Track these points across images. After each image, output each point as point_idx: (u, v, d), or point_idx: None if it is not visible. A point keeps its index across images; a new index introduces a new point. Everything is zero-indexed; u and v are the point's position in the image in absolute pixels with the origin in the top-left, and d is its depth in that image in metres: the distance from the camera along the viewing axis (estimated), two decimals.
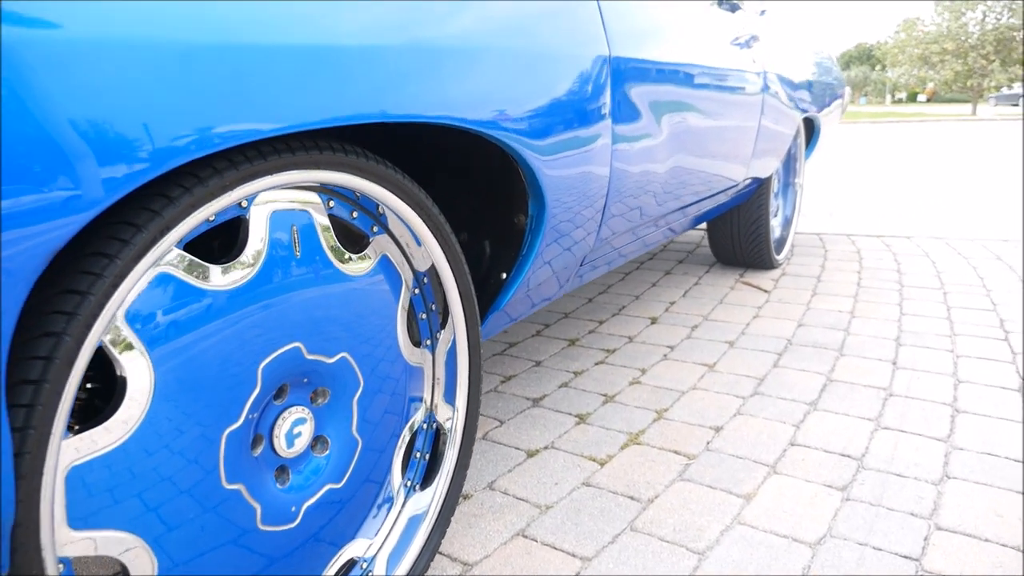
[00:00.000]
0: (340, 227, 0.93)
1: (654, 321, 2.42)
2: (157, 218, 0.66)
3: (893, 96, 67.95)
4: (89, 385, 0.75)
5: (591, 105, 1.22)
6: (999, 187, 5.99)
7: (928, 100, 64.80)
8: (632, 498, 1.35)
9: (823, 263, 3.20)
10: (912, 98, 68.42)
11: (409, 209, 0.97)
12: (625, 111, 1.36)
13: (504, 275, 1.21)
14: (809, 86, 2.94)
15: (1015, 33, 28.43)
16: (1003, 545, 1.19)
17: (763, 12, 2.65)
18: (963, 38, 29.53)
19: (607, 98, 1.29)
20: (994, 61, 29.21)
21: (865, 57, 78.56)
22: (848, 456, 1.48)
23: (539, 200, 1.14)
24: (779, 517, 1.28)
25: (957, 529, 1.23)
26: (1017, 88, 36.68)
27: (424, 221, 0.99)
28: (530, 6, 1.10)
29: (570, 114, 1.15)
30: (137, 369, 0.69)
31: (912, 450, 1.50)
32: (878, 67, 54.67)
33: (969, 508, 1.29)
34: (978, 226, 4.09)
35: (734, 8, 2.69)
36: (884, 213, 4.69)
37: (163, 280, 0.71)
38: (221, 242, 0.83)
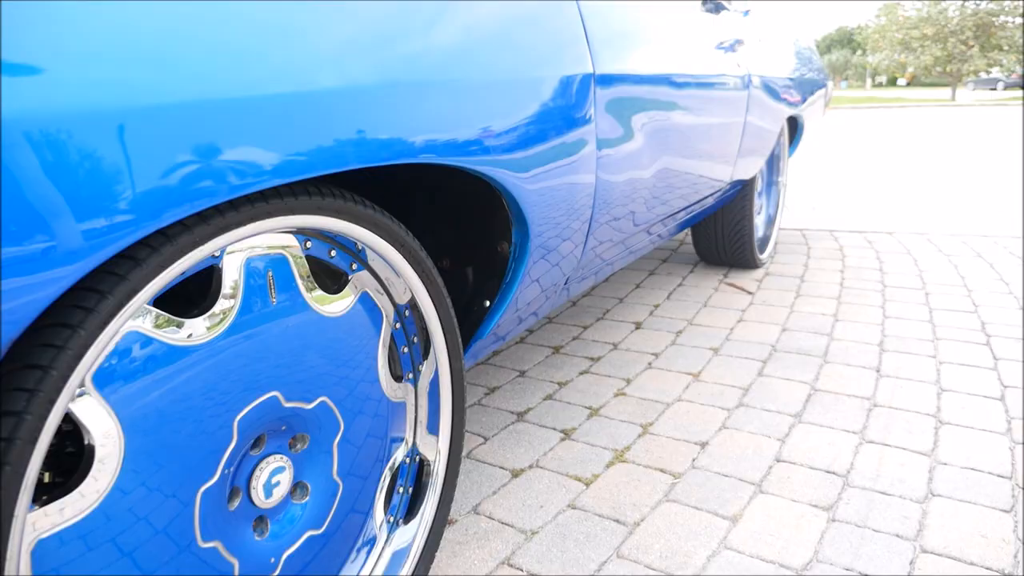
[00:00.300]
0: (318, 265, 0.91)
1: (638, 326, 2.41)
2: (123, 282, 0.63)
3: (874, 80, 68.32)
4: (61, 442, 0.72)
5: (576, 128, 1.20)
6: (980, 178, 6.04)
7: (908, 84, 65.16)
8: (618, 521, 1.34)
9: (806, 262, 3.20)
10: (892, 82, 68.84)
11: (388, 245, 0.94)
12: (610, 128, 1.34)
13: (488, 303, 1.19)
14: (793, 84, 2.93)
15: (994, 19, 28.64)
16: (988, 568, 1.19)
17: (747, 12, 2.63)
18: (943, 23, 29.72)
19: (592, 117, 1.26)
20: (973, 47, 29.42)
21: (846, 41, 78.85)
22: (833, 473, 1.48)
23: (523, 227, 1.12)
24: (765, 541, 1.27)
25: (943, 552, 1.23)
26: (995, 73, 37.01)
27: (404, 256, 0.97)
28: (511, 30, 1.07)
29: (555, 140, 1.13)
30: (106, 435, 0.66)
31: (897, 465, 1.50)
32: (859, 51, 54.85)
33: (954, 529, 1.29)
34: (960, 220, 4.11)
35: (719, 9, 2.66)
36: (867, 205, 4.71)
37: (132, 339, 0.68)
38: (196, 285, 0.80)
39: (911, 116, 18.68)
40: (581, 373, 2.03)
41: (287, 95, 0.69)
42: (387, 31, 0.82)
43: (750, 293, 2.75)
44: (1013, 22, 29.52)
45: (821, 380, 1.93)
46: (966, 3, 29.58)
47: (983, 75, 33.13)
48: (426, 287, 1.01)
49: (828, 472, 1.49)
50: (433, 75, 0.88)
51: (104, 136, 0.55)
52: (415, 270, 0.99)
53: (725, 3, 2.71)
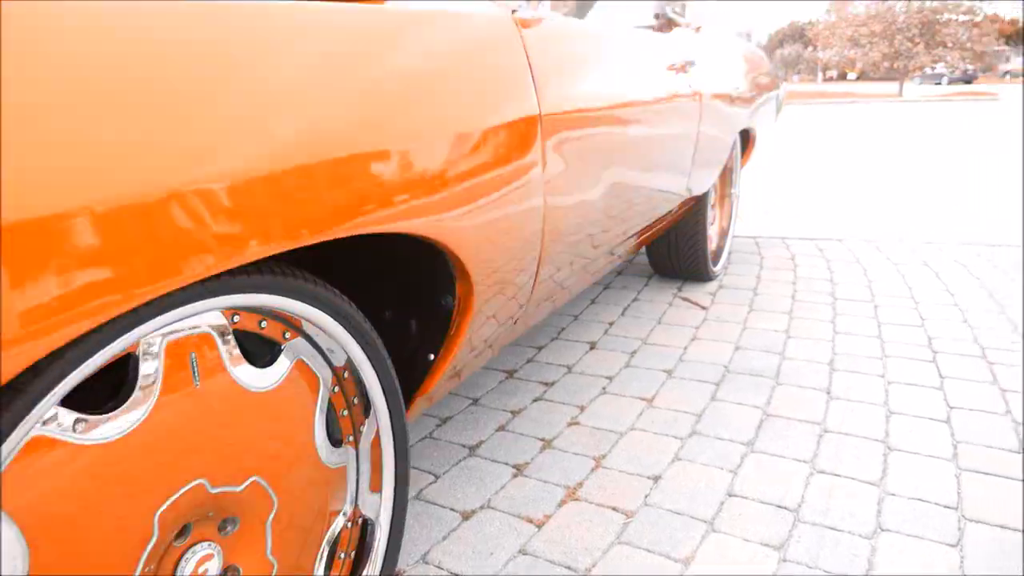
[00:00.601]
0: (248, 336, 0.86)
1: (593, 346, 2.39)
2: (20, 396, 0.58)
3: (824, 74, 69.73)
4: None
5: (521, 176, 1.16)
6: (926, 179, 6.19)
7: (857, 78, 66.68)
8: (569, 568, 1.32)
9: (759, 272, 3.23)
10: (843, 76, 70.33)
11: (326, 315, 0.90)
12: (557, 169, 1.31)
13: (431, 356, 1.15)
14: (745, 97, 2.94)
15: (938, 17, 29.45)
16: None
17: (698, 28, 2.62)
18: (890, 21, 30.46)
19: (538, 161, 1.23)
20: (919, 44, 30.24)
21: (798, 35, 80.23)
22: (785, 508, 1.48)
23: (466, 282, 1.08)
24: None
25: None
26: (940, 68, 38.05)
27: (343, 324, 0.93)
28: (445, 80, 1.03)
29: (499, 192, 1.09)
30: (9, 549, 0.61)
31: (846, 497, 1.51)
32: (810, 47, 55.92)
33: (903, 566, 1.30)
34: (908, 224, 4.19)
35: (670, 26, 2.65)
36: (817, 208, 4.78)
37: (38, 445, 0.63)
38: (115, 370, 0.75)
39: (860, 112, 19.10)
40: (535, 400, 2.00)
41: (187, 190, 0.64)
42: (299, 105, 0.78)
43: (704, 308, 2.75)
44: (956, 20, 30.42)
45: (773, 403, 1.94)
46: (912, 1, 30.38)
47: (928, 70, 34.06)
48: (365, 351, 0.97)
49: (779, 507, 1.48)
50: (360, 140, 0.83)
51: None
52: (354, 336, 0.95)
53: (678, 18, 2.70)
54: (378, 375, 1.00)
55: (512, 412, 1.94)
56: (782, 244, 3.79)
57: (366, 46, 0.88)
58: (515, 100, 1.17)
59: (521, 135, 1.17)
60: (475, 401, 2.01)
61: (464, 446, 1.76)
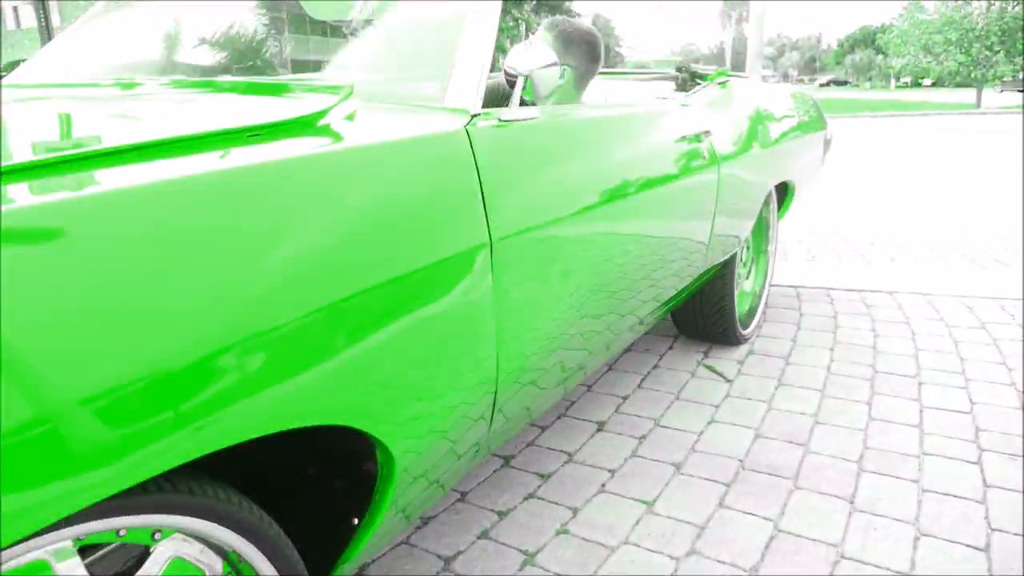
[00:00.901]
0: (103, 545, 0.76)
1: (601, 427, 2.24)
2: None
3: (898, 80, 67.30)
4: None
5: (466, 323, 1.04)
6: (998, 218, 5.79)
7: (932, 84, 64.11)
8: None
9: (795, 335, 3.01)
10: (917, 83, 67.76)
11: (203, 522, 0.79)
12: (514, 298, 1.17)
13: (356, 520, 1.03)
14: (781, 150, 2.73)
15: (1021, 23, 27.87)
16: None
17: (725, 82, 2.45)
18: (967, 28, 29.04)
19: (487, 299, 1.10)
20: (999, 52, 28.75)
21: (869, 40, 77.83)
22: None
23: (386, 452, 0.96)
24: None
25: None
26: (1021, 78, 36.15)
27: (229, 527, 0.81)
28: (373, 233, 0.91)
29: (432, 369, 0.97)
30: None
31: None
32: (880, 55, 54.06)
33: None
34: (968, 274, 3.89)
35: (692, 79, 2.49)
36: (869, 250, 4.49)
37: None
38: None
39: (933, 126, 18.27)
40: (526, 498, 1.86)
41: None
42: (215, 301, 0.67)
43: (728, 380, 2.57)
44: None
45: (787, 516, 1.76)
46: (992, 5, 28.86)
47: (1007, 79, 32.36)
48: (262, 551, 0.86)
49: None
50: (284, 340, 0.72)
51: None
52: (245, 537, 0.83)
53: (698, 75, 2.54)
54: (276, 568, 0.89)
55: (499, 513, 1.80)
56: (825, 297, 3.55)
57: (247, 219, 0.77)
58: (458, 232, 1.05)
59: (465, 273, 1.04)
60: (462, 497, 1.88)
61: (440, 557, 1.64)
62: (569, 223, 1.34)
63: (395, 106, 1.23)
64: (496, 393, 1.20)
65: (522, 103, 1.33)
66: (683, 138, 1.92)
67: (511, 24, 31.28)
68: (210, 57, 1.61)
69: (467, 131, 1.14)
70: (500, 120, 1.24)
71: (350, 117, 1.09)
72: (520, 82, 1.28)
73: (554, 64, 1.30)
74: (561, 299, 1.36)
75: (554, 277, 1.32)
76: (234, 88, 1.40)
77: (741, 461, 2.02)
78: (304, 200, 0.84)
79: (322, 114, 1.06)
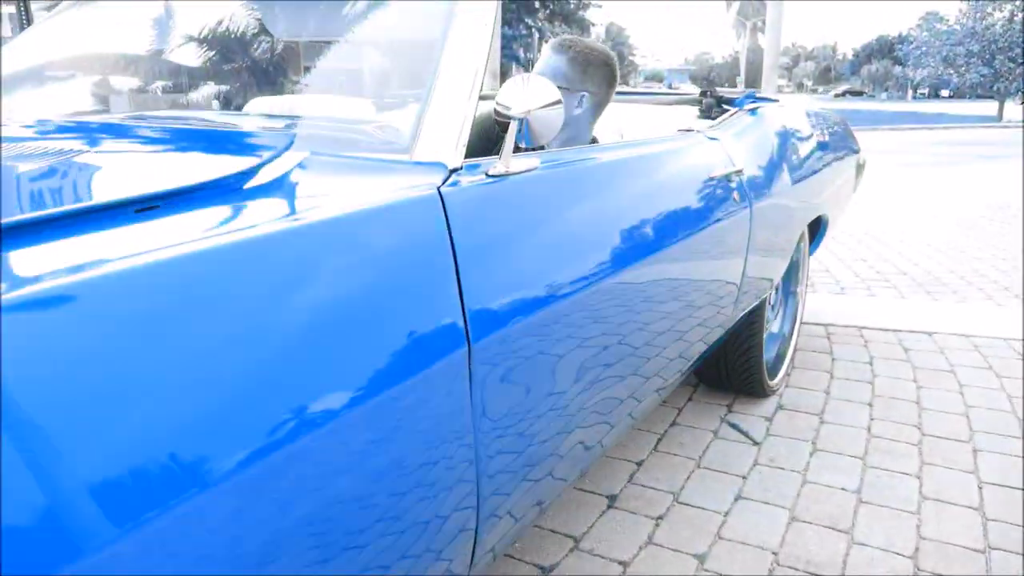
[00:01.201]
0: None
1: (612, 503, 1.96)
2: None
3: (916, 91, 66.61)
4: None
5: (442, 442, 0.78)
6: None
7: (951, 95, 63.31)
8: None
9: (827, 385, 2.71)
10: (935, 94, 67.04)
11: None
12: (496, 400, 0.91)
13: None
14: (817, 182, 2.45)
15: None
16: None
17: (755, 111, 2.17)
18: (989, 39, 28.48)
19: (465, 405, 0.84)
20: (1022, 64, 28.16)
21: (887, 50, 77.20)
22: None
23: None
24: None
25: None
26: None
27: None
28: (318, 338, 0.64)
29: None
30: None
31: None
32: (899, 67, 53.48)
33: None
34: (1016, 313, 3.58)
35: (719, 104, 2.22)
36: (901, 282, 4.19)
37: None
38: None
39: (953, 140, 17.87)
40: None
41: None
42: None
43: (756, 443, 2.28)
44: None
45: None
46: (1015, 18, 28.28)
47: None
48: None
49: None
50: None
51: None
52: None
53: (724, 99, 2.27)
54: None
55: None
56: (858, 337, 3.25)
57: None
58: (425, 322, 0.78)
59: (432, 395, 0.77)
60: None
61: None
62: (575, 301, 1.07)
63: (353, 158, 0.96)
64: (479, 497, 0.94)
65: (517, 149, 1.06)
66: (711, 179, 1.64)
67: (524, 32, 31.05)
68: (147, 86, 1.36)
69: (440, 194, 0.87)
70: (488, 176, 0.97)
71: (283, 180, 0.83)
72: (514, 127, 1.01)
73: (557, 103, 1.03)
74: (563, 394, 1.09)
75: (558, 372, 1.05)
76: (151, 129, 1.14)
77: (775, 555, 1.73)
78: (190, 313, 0.58)
79: (247, 175, 0.80)
